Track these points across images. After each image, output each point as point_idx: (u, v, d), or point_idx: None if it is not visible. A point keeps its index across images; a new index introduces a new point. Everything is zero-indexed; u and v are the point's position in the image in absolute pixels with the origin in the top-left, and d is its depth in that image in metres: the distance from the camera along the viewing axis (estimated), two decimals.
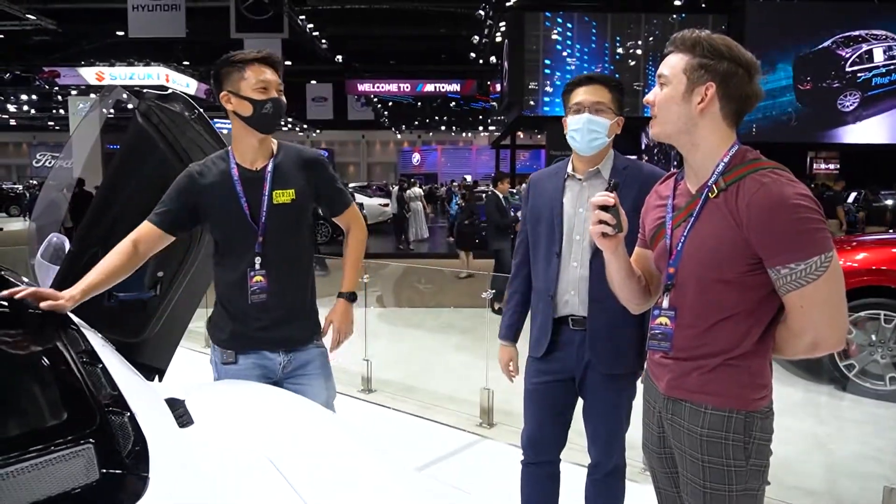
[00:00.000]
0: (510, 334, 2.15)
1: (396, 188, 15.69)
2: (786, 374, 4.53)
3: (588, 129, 1.88)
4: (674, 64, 1.35)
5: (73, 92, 22.63)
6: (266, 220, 1.89)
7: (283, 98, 1.91)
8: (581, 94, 1.91)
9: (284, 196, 1.91)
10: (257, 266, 1.88)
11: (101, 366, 1.25)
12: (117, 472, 0.98)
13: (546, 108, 15.96)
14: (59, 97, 25.96)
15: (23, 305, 1.39)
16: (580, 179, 1.96)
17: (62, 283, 2.04)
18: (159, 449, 1.07)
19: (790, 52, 15.77)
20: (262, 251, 1.89)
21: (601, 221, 1.37)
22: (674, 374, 1.40)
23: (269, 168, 1.92)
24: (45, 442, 0.98)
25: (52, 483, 0.91)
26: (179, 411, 1.31)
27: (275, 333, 1.91)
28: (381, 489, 1.19)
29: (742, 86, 1.32)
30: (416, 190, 15.45)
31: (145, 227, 1.87)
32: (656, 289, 1.52)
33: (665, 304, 1.41)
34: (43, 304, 1.44)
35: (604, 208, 1.37)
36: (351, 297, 2.07)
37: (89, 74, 20.57)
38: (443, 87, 23.94)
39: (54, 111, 30.14)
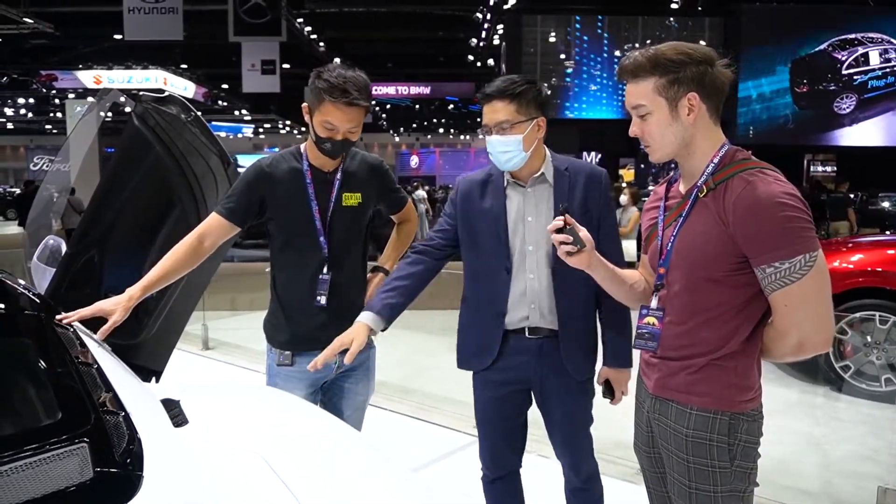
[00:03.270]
0: (385, 312, 1.80)
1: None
2: (781, 375, 4.55)
3: (500, 151, 1.77)
4: (643, 91, 1.35)
5: (71, 95, 22.63)
6: (332, 221, 1.94)
7: (354, 138, 1.88)
8: (485, 115, 1.79)
9: (352, 199, 1.98)
10: (326, 267, 1.92)
11: (96, 366, 1.25)
12: (111, 470, 0.99)
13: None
14: (57, 101, 25.95)
15: (16, 306, 1.40)
16: (523, 187, 1.86)
17: (59, 285, 2.05)
18: (154, 448, 1.07)
19: (786, 54, 15.83)
20: (330, 252, 1.93)
21: (561, 243, 1.40)
22: (662, 374, 1.41)
23: (340, 173, 1.97)
24: (40, 441, 0.99)
25: (46, 482, 0.92)
26: (174, 411, 1.32)
27: (335, 333, 1.83)
28: (375, 488, 1.19)
29: (715, 78, 1.33)
30: (421, 192, 15.48)
31: (213, 220, 1.91)
32: None
33: (654, 304, 1.42)
34: (104, 328, 1.59)
35: (559, 230, 1.40)
36: (387, 274, 2.12)
37: (87, 78, 20.56)
38: (441, 90, 23.98)
39: (52, 114, 30.12)
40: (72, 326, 1.41)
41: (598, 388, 1.95)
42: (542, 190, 1.86)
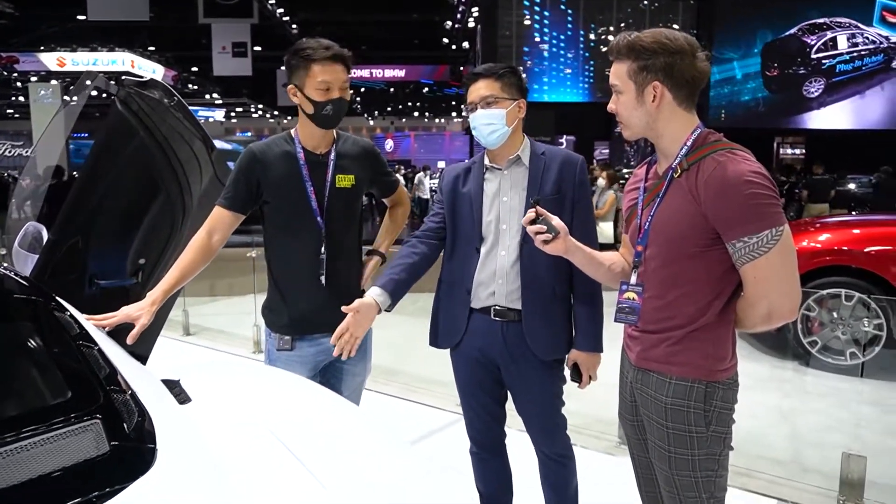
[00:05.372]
0: (389, 286, 1.85)
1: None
2: (753, 351, 4.71)
3: (484, 123, 1.86)
4: (619, 72, 1.44)
5: (34, 78, 21.93)
6: (329, 202, 1.96)
7: (347, 96, 1.94)
8: (471, 93, 1.89)
9: (345, 181, 2.00)
10: (324, 248, 1.95)
11: (97, 347, 1.28)
12: (126, 444, 1.03)
13: None
14: (19, 84, 25.18)
15: (13, 291, 1.42)
16: (499, 169, 1.93)
17: (42, 271, 2.05)
18: (163, 423, 1.12)
19: (758, 38, 16.08)
20: (327, 232, 1.96)
21: (536, 233, 1.49)
22: (643, 346, 1.49)
23: (333, 154, 2.00)
24: (53, 418, 1.03)
25: (65, 456, 0.96)
26: (176, 390, 1.36)
27: (333, 316, 1.84)
28: (378, 457, 1.25)
29: (685, 70, 1.39)
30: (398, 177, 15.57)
31: (217, 214, 1.95)
32: None
33: (633, 280, 1.50)
34: (133, 333, 1.68)
35: (533, 221, 1.50)
36: (383, 258, 2.17)
37: (50, 60, 19.94)
38: (416, 73, 23.83)
39: (13, 98, 29.23)
40: (68, 310, 1.42)
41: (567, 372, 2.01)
42: (518, 172, 1.93)
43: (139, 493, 0.94)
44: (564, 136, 17.71)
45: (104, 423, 1.04)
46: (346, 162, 2.03)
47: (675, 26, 16.54)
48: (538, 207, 1.52)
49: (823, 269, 4.43)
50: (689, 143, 1.42)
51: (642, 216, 1.50)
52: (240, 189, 1.96)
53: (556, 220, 1.53)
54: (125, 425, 1.07)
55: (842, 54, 15.96)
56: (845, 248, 4.50)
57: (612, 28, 16.33)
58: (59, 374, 1.16)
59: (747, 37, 16.05)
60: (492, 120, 1.86)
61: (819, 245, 4.60)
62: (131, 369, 1.30)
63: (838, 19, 15.93)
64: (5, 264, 1.78)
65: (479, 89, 1.88)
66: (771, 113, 16.46)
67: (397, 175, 14.96)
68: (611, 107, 1.49)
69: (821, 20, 15.92)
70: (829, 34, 15.91)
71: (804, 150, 18.39)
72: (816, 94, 16.14)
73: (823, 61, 16.00)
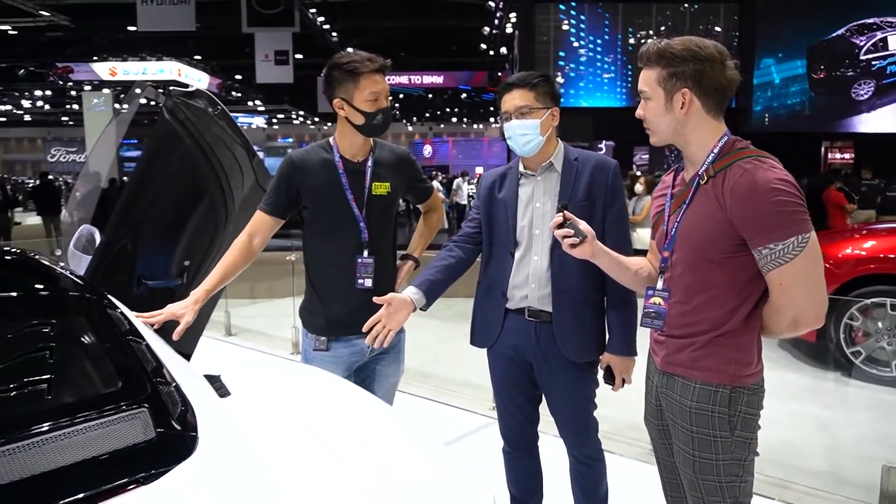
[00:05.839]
0: (424, 286, 1.91)
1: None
2: (793, 361, 4.61)
3: (519, 133, 1.91)
4: (648, 79, 1.46)
5: (87, 87, 22.85)
6: (368, 208, 2.04)
7: (389, 104, 2.04)
8: (506, 103, 1.94)
9: (382, 188, 2.08)
10: (365, 252, 2.02)
11: (145, 343, 1.37)
12: (170, 431, 1.12)
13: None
14: (73, 93, 26.23)
15: (70, 289, 1.52)
16: (533, 175, 1.99)
17: (94, 272, 2.16)
18: (204, 414, 1.20)
19: (803, 40, 15.66)
20: (367, 238, 2.03)
21: (564, 237, 1.53)
22: (668, 351, 1.51)
23: (370, 162, 2.07)
24: (106, 406, 1.12)
25: (115, 440, 1.05)
26: (216, 384, 1.45)
27: (368, 318, 1.89)
28: (411, 455, 1.31)
29: (715, 78, 1.41)
30: (435, 183, 15.70)
31: (258, 218, 2.05)
32: None
33: (660, 285, 1.52)
34: (178, 330, 1.78)
35: (560, 225, 1.54)
36: (416, 262, 2.25)
37: (102, 70, 20.76)
38: (454, 79, 23.94)
39: (68, 106, 30.47)
40: (118, 307, 1.52)
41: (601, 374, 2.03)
42: (551, 178, 1.98)
43: (181, 476, 1.02)
44: (604, 142, 17.56)
45: (151, 412, 1.12)
46: (382, 169, 2.09)
47: (717, 29, 16.25)
48: (565, 212, 1.56)
49: (868, 278, 4.31)
50: (715, 151, 1.44)
51: (669, 222, 1.52)
52: (280, 195, 2.04)
53: (583, 225, 1.56)
54: (170, 414, 1.15)
55: (892, 55, 15.42)
56: (891, 255, 4.38)
57: (651, 32, 16.12)
58: (110, 366, 1.25)
59: (791, 39, 15.64)
60: (526, 130, 1.91)
61: (864, 252, 4.48)
62: (176, 364, 1.39)
63: (889, 19, 15.41)
64: (62, 264, 1.90)
65: (513, 99, 1.93)
66: (817, 117, 15.99)
67: (434, 182, 15.11)
68: (639, 113, 1.52)
69: (870, 20, 15.42)
70: (880, 34, 15.39)
71: (853, 155, 17.81)
72: (866, 96, 15.62)
73: (873, 63, 15.48)
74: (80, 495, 0.93)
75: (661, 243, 1.55)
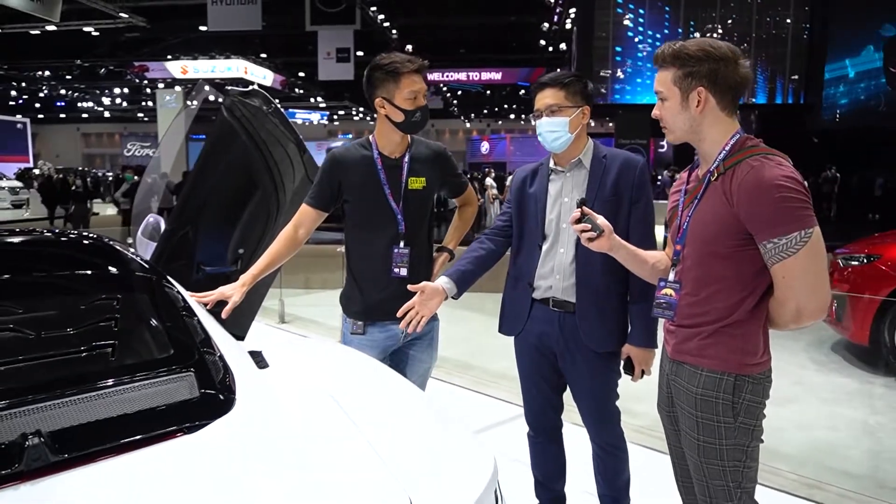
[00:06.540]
0: (455, 276, 2.03)
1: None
2: (845, 365, 4.48)
3: (548, 130, 2.00)
4: (664, 80, 1.52)
5: (161, 85, 24.03)
6: (405, 202, 2.17)
7: (427, 102, 2.16)
8: (538, 101, 2.03)
9: (417, 183, 2.19)
10: (402, 243, 2.16)
11: (196, 318, 1.55)
12: (212, 392, 1.30)
13: (616, 96, 15.74)
14: (148, 90, 27.62)
15: (134, 271, 1.72)
16: (563, 171, 2.07)
17: (158, 257, 2.38)
18: (243, 379, 1.37)
19: (877, 33, 14.88)
20: (404, 230, 2.17)
21: (582, 231, 1.62)
22: (678, 339, 1.58)
23: (407, 158, 2.20)
24: (160, 369, 1.31)
25: (166, 396, 1.24)
26: (257, 358, 1.63)
27: (404, 304, 2.00)
28: (434, 435, 1.44)
29: (729, 77, 1.47)
30: (489, 180, 15.78)
31: (303, 210, 2.20)
32: None
33: (671, 277, 1.59)
34: (226, 309, 1.95)
35: (578, 220, 1.62)
36: (451, 254, 2.36)
37: (175, 68, 21.81)
38: (512, 75, 23.90)
39: (143, 103, 32.11)
40: (176, 287, 1.71)
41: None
42: (580, 174, 2.06)
43: (219, 428, 1.20)
44: (665, 140, 17.19)
45: (197, 375, 1.31)
46: (418, 165, 2.21)
47: (787, 21, 15.62)
48: (583, 207, 1.64)
49: None
50: (727, 148, 1.50)
51: (681, 217, 1.59)
52: (323, 189, 2.19)
53: (600, 220, 1.64)
54: (212, 378, 1.33)
55: None
56: None
57: (715, 26, 15.68)
58: (165, 336, 1.44)
59: (866, 31, 14.90)
60: (555, 127, 2.00)
61: None
62: (222, 338, 1.57)
63: None
64: (132, 249, 2.12)
65: (544, 98, 2.02)
66: (894, 112, 15.20)
67: (487, 178, 15.16)
68: (655, 112, 1.59)
69: None
70: None
71: None
72: None
73: None
74: (138, 437, 1.12)
75: (675, 237, 1.62)
